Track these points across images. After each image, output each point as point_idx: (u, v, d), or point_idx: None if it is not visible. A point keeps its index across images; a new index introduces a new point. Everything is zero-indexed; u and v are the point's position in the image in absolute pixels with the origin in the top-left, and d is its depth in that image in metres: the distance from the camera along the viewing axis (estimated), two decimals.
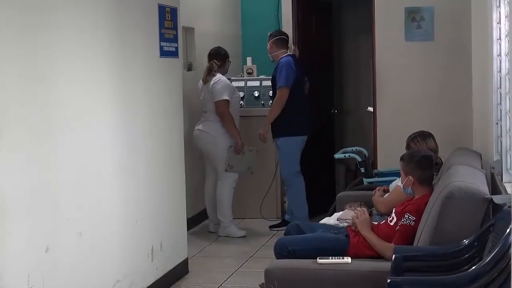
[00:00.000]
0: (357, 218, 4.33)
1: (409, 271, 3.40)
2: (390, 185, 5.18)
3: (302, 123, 7.00)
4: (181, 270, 5.63)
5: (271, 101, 7.39)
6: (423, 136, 5.08)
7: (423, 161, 4.29)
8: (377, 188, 5.14)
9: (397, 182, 4.92)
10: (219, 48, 7.05)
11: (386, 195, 5.02)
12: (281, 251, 4.30)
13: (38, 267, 3.69)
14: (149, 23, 5.15)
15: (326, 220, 4.88)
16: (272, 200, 7.56)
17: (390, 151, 6.45)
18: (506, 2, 4.33)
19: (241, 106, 7.54)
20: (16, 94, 3.53)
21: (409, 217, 4.06)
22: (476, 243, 3.34)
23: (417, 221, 4.02)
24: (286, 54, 7.03)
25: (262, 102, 7.65)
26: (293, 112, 6.89)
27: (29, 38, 3.64)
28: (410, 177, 4.23)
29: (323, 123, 8.21)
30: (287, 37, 7.22)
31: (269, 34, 7.24)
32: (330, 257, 3.82)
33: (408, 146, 5.05)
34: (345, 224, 4.61)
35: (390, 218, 4.28)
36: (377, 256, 4.10)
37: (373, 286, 3.60)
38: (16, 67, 3.53)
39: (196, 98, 6.92)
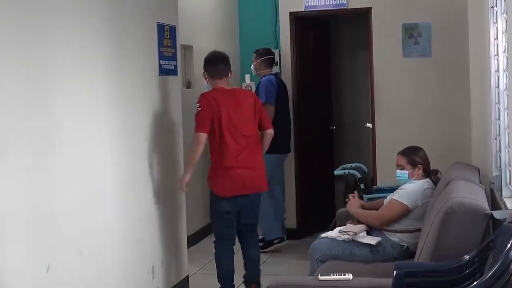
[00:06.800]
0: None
1: (411, 287, 3.40)
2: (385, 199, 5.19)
3: (283, 142, 6.91)
4: None
5: None
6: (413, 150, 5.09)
7: None
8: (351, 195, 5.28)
9: (392, 196, 4.92)
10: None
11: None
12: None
13: (40, 286, 3.68)
14: (148, 41, 5.17)
15: (328, 233, 4.90)
16: None
17: (389, 167, 6.45)
18: (503, 18, 4.36)
19: None
20: (16, 112, 3.55)
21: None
22: (477, 259, 3.34)
23: None
24: (269, 73, 7.03)
25: None
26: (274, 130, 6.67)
27: (29, 54, 3.66)
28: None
29: (322, 139, 8.22)
30: (274, 56, 7.25)
31: (257, 51, 7.19)
32: (331, 274, 3.82)
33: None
34: (347, 237, 4.65)
35: None
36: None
37: None
38: (16, 84, 3.55)
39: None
